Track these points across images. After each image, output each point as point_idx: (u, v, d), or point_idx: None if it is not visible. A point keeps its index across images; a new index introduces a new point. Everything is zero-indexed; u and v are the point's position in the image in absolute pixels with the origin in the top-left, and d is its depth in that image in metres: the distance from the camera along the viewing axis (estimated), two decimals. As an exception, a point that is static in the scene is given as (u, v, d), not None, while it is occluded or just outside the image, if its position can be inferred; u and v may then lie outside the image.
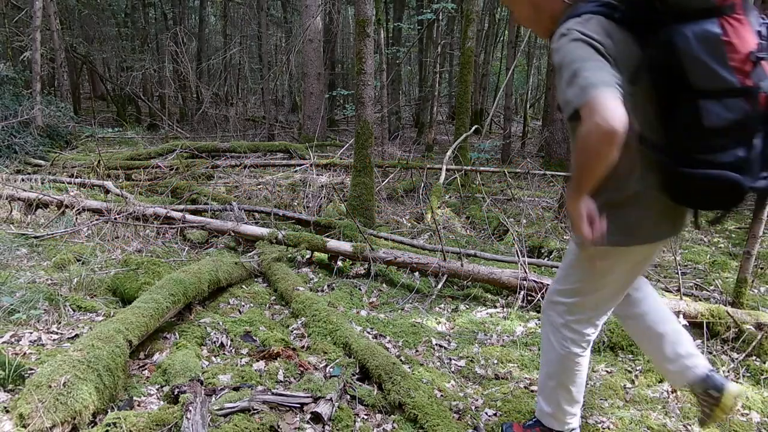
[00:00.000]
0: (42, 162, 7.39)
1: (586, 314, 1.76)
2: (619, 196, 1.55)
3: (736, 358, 2.71)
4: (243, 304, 3.27)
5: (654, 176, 1.48)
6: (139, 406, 2.09)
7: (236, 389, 2.19)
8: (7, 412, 1.82)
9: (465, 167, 7.16)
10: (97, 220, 4.26)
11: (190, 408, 1.92)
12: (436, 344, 2.90)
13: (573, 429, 1.91)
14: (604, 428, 2.19)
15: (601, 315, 1.78)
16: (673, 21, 1.35)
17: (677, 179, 1.43)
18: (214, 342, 2.69)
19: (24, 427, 1.69)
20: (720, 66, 1.32)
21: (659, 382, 2.55)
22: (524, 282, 3.43)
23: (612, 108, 1.26)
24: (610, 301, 1.76)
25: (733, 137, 1.36)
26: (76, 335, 2.56)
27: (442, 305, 3.53)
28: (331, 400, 2.16)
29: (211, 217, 4.60)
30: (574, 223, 1.45)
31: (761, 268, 4.00)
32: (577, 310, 1.76)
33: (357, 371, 2.46)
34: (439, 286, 3.67)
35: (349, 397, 2.28)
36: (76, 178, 6.13)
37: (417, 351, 2.83)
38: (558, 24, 1.51)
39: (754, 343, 2.72)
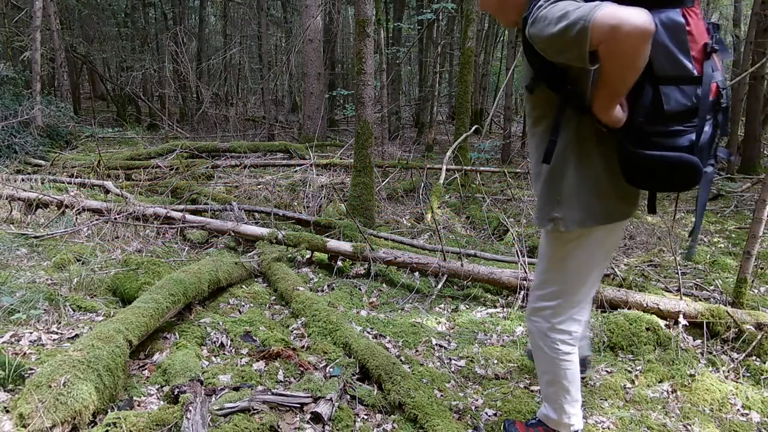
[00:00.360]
0: (42, 162, 7.38)
1: (569, 313, 1.82)
2: (581, 178, 1.61)
3: (736, 358, 2.71)
4: (243, 304, 3.27)
5: (613, 158, 1.54)
6: (139, 406, 2.10)
7: (236, 389, 2.19)
8: (7, 412, 1.82)
9: (465, 167, 7.15)
10: (97, 220, 4.26)
11: (190, 408, 1.92)
12: (436, 344, 2.90)
13: (577, 430, 1.93)
14: (604, 428, 2.19)
15: (582, 311, 1.85)
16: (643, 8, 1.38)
17: (634, 161, 1.49)
18: (214, 342, 2.69)
19: (24, 427, 1.69)
20: (682, 54, 1.38)
21: (659, 382, 2.56)
22: (524, 282, 3.43)
23: (629, 10, 1.25)
24: (588, 293, 1.84)
25: (688, 123, 1.42)
26: (76, 335, 2.56)
27: (442, 305, 3.53)
28: (331, 400, 2.16)
29: (211, 217, 4.60)
30: (612, 124, 1.47)
31: (761, 268, 4.00)
32: (561, 311, 1.82)
33: (357, 371, 2.46)
34: (439, 286, 3.67)
35: (349, 397, 2.28)
36: (76, 178, 6.13)
37: (417, 351, 2.83)
38: (524, 12, 1.49)
39: (754, 343, 2.72)
